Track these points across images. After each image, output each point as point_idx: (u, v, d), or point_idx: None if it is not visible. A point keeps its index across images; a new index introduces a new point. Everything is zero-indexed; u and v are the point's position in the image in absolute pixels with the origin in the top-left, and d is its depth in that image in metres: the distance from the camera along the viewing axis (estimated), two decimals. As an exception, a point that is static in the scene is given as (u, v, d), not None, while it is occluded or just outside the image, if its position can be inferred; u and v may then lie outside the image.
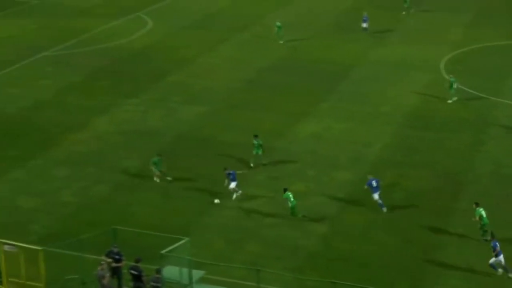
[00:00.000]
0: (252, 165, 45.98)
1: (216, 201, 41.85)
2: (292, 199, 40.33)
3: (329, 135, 50.95)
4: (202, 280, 33.40)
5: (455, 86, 55.60)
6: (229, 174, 42.31)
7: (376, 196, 41.28)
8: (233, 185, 42.19)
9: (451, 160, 47.19)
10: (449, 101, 55.37)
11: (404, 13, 78.79)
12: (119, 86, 60.17)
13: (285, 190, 40.81)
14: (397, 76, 61.55)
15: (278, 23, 70.35)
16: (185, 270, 32.34)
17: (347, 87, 59.61)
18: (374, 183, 41.38)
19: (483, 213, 38.17)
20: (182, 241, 32.88)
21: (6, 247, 31.93)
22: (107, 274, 31.76)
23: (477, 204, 38.55)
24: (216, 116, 54.23)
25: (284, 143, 49.71)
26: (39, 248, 31.94)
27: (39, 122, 53.52)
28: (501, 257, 35.32)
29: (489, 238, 36.55)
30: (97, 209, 41.83)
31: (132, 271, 32.09)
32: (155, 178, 44.22)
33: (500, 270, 35.44)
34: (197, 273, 33.08)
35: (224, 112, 54.88)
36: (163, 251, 32.05)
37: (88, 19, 79.11)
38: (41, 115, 54.75)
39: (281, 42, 69.60)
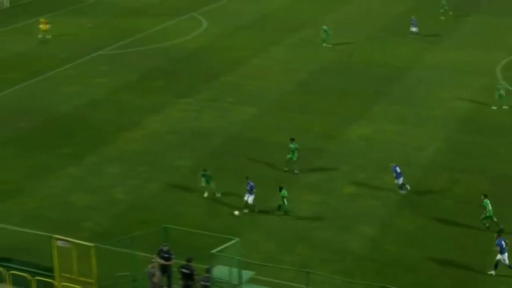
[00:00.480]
0: (296, 171, 45.83)
1: (236, 213, 41.29)
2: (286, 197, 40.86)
3: (381, 138, 50.76)
4: (251, 280, 33.52)
5: (501, 92, 55.02)
6: (248, 184, 41.53)
7: (401, 180, 43.11)
8: (247, 196, 41.36)
9: (504, 166, 46.67)
10: (493, 107, 54.79)
11: (442, 18, 77.92)
12: (173, 86, 60.69)
13: (280, 188, 40.92)
14: (451, 80, 61.04)
15: (324, 27, 70.14)
16: (234, 270, 32.46)
17: (400, 90, 59.34)
18: (398, 169, 43.12)
19: (490, 206, 39.02)
20: (232, 242, 33.03)
21: (59, 243, 32.40)
22: (157, 272, 32.03)
23: (485, 196, 39.36)
24: (268, 118, 54.39)
25: (335, 145, 49.66)
26: (91, 244, 32.37)
27: (94, 120, 54.23)
28: (505, 256, 35.46)
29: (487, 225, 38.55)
30: (149, 208, 42.26)
31: (184, 270, 32.24)
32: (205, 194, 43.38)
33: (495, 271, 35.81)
34: (246, 274, 33.20)
35: (276, 114, 55.01)
36: (213, 251, 32.26)
37: (143, 18, 79.95)
38: (95, 113, 55.47)
39: (329, 45, 69.16)
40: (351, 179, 45.07)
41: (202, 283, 31.59)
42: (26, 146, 49.92)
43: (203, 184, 42.89)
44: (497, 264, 35.81)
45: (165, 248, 33.30)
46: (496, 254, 35.85)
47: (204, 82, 61.38)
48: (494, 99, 55.26)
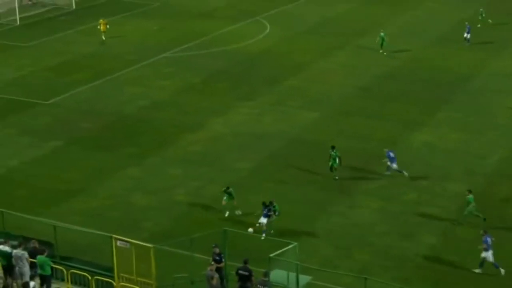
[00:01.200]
0: (336, 178, 45.34)
1: (250, 230, 39.73)
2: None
3: (444, 145, 50.19)
4: (308, 285, 33.41)
5: None
6: (265, 209, 39.68)
7: (395, 165, 44.87)
8: (263, 220, 39.58)
9: None
10: None
11: (479, 25, 76.14)
12: (236, 89, 60.92)
13: (271, 202, 39.89)
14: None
15: (381, 33, 69.35)
16: (292, 275, 32.38)
17: (464, 97, 58.59)
18: (392, 154, 45.00)
19: (473, 202, 39.94)
20: (290, 246, 32.98)
21: (119, 243, 32.71)
22: (216, 275, 32.11)
23: (470, 192, 40.34)
24: (330, 122, 54.23)
25: (397, 151, 49.10)
26: (150, 245, 32.63)
27: (157, 121, 54.71)
28: (490, 253, 35.83)
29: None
30: (209, 209, 42.41)
31: (242, 272, 32.23)
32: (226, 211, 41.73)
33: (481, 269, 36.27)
34: (304, 278, 33.12)
35: (338, 118, 54.82)
36: (272, 255, 32.24)
37: (208, 21, 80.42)
38: (159, 114, 55.95)
39: (384, 53, 68.41)
40: (412, 186, 44.64)
41: (260, 286, 31.57)
42: (90, 146, 50.58)
43: (224, 202, 41.67)
44: (482, 262, 36.02)
45: (217, 251, 33.42)
46: (481, 252, 36.10)
47: (266, 85, 61.48)
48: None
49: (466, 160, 47.99)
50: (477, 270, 36.23)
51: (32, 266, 31.87)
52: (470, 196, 40.23)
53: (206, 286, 32.27)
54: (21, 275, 31.34)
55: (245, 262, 32.30)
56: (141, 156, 48.96)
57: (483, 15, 77.16)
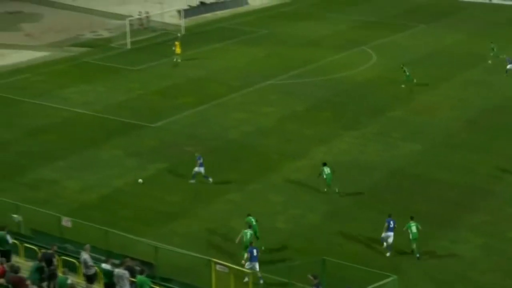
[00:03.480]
0: (325, 190, 46.79)
1: (140, 180, 45.83)
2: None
3: (553, 182, 48.87)
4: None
5: None
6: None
7: (203, 170, 48.48)
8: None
9: None
10: None
11: (490, 62, 73.68)
12: (340, 118, 60.82)
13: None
14: None
15: (404, 68, 68.39)
16: (389, 308, 32.09)
17: None
18: (201, 160, 48.82)
19: (413, 228, 40.09)
20: (389, 279, 32.65)
21: (218, 267, 33.04)
22: (312, 304, 32.02)
23: (412, 218, 40.44)
24: (433, 154, 53.46)
25: (502, 186, 48.15)
26: (249, 271, 32.76)
27: (260, 148, 55.02)
28: (388, 234, 39.55)
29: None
30: (309, 237, 42.29)
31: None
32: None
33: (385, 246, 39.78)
34: (401, 313, 32.76)
35: (442, 151, 53.98)
36: (370, 287, 31.92)
37: (314, 50, 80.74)
38: (262, 141, 56.28)
39: (414, 81, 68.08)
40: (517, 223, 43.60)
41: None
42: (191, 170, 51.12)
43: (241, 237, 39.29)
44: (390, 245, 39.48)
45: (314, 282, 33.25)
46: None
47: (370, 115, 61.17)
48: None
49: None
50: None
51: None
52: (410, 222, 40.32)
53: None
54: (122, 294, 31.98)
55: None
56: (243, 182, 49.27)
57: (495, 49, 74.80)
